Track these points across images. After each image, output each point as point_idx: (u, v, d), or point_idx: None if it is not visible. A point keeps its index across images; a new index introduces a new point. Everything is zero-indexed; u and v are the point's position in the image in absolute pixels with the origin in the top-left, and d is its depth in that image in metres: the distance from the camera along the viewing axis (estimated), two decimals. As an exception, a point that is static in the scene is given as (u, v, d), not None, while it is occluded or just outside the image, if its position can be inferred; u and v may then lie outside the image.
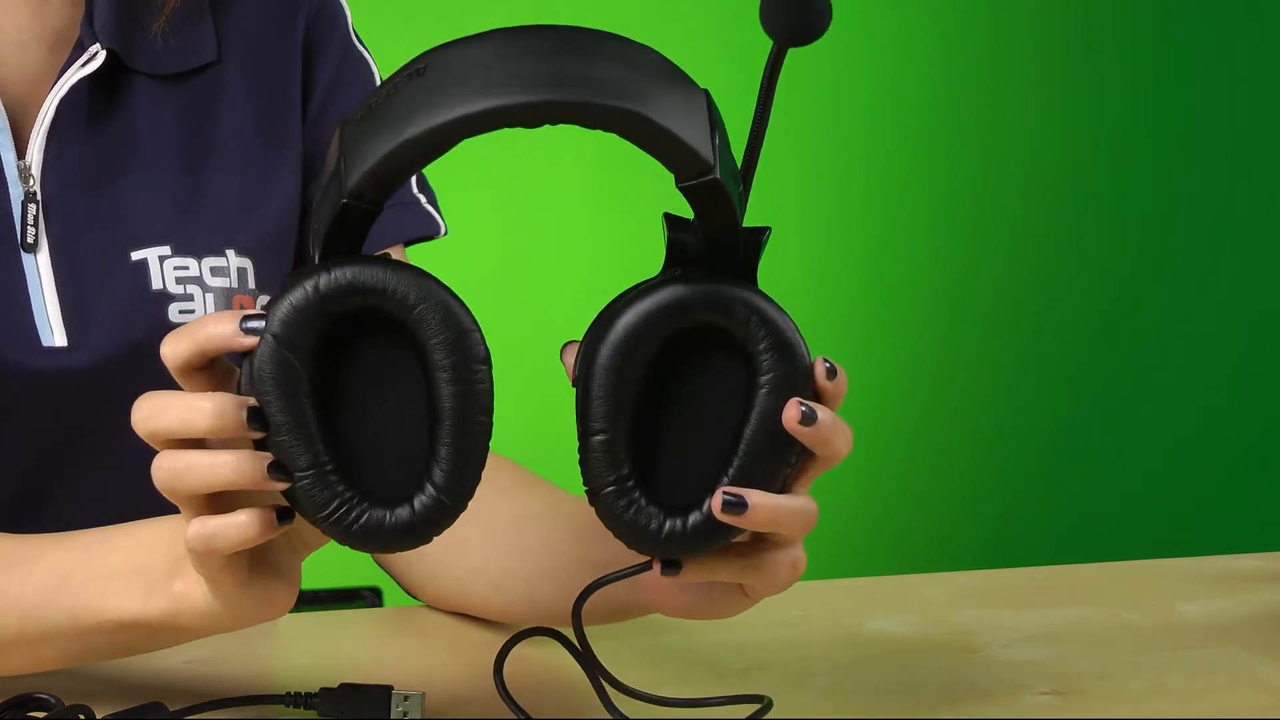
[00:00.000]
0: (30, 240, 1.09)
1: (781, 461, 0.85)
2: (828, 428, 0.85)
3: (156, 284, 1.11)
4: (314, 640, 1.14)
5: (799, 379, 0.85)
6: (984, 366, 3.21)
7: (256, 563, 0.86)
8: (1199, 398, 3.32)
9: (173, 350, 0.84)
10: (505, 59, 0.80)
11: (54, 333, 1.09)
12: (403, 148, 0.80)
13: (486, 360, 0.82)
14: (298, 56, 1.18)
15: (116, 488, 1.12)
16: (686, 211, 0.86)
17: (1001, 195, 3.18)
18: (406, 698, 0.95)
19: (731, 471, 0.85)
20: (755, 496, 0.84)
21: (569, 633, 0.92)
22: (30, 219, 1.09)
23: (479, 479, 0.83)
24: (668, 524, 0.85)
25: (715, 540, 0.85)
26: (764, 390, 0.84)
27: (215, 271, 1.13)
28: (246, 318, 0.81)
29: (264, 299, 1.14)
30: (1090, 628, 1.16)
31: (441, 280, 0.82)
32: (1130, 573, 1.31)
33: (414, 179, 1.20)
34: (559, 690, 1.02)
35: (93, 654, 0.96)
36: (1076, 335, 3.25)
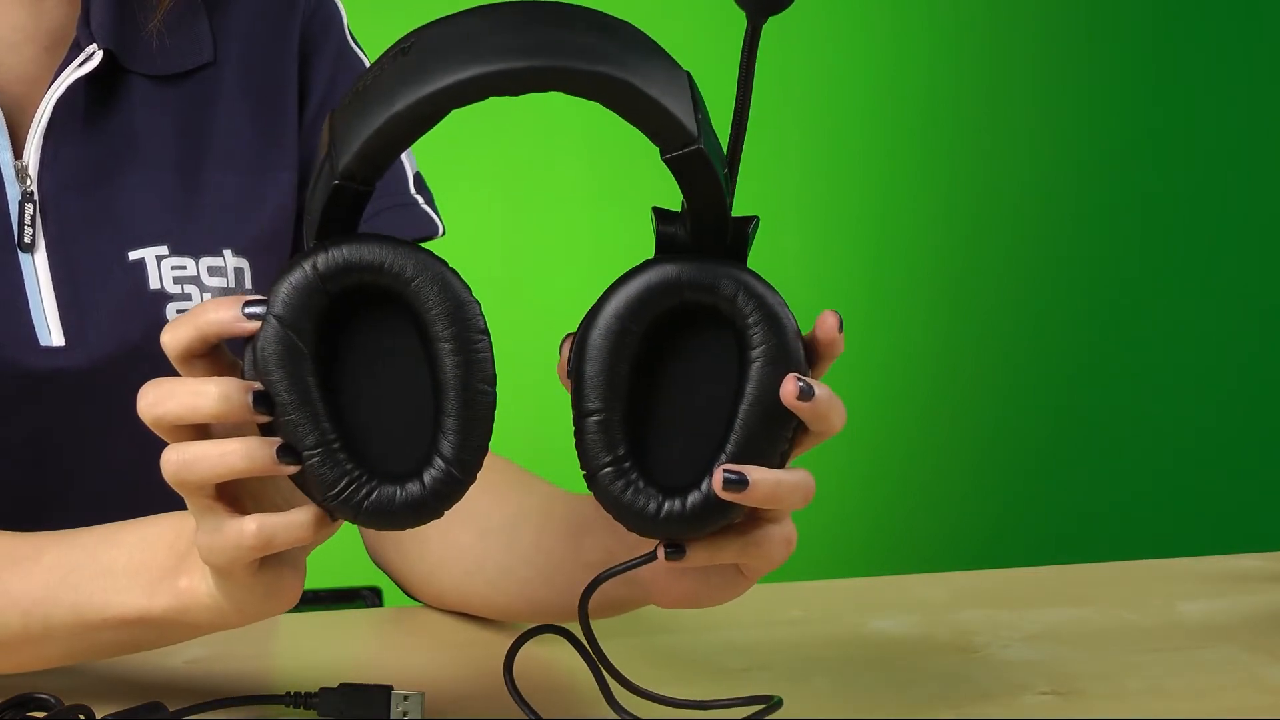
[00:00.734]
0: (27, 240, 1.09)
1: (779, 436, 0.85)
2: (825, 402, 0.85)
3: (154, 284, 1.11)
4: (314, 640, 1.14)
5: (790, 351, 0.85)
6: (984, 366, 3.21)
7: (266, 556, 0.86)
8: (1199, 398, 3.32)
9: (173, 338, 0.83)
10: (489, 31, 0.80)
11: (51, 332, 1.09)
12: (391, 122, 0.80)
13: (485, 331, 0.82)
14: (294, 57, 1.18)
15: (114, 486, 1.12)
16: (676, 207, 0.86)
17: (1001, 195, 3.18)
18: (406, 698, 0.95)
19: (729, 448, 0.85)
20: (755, 473, 0.84)
21: (576, 629, 0.92)
22: (27, 219, 1.09)
23: (486, 450, 0.83)
24: (666, 504, 0.85)
25: (716, 519, 0.85)
26: (756, 364, 0.85)
27: (212, 271, 1.13)
28: (248, 302, 0.82)
29: (245, 295, 1.14)
30: (1090, 628, 1.16)
31: (439, 256, 0.82)
32: (1130, 573, 1.31)
33: (411, 180, 1.20)
34: (564, 689, 1.02)
35: (96, 651, 0.96)
36: (1077, 335, 3.25)
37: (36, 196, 1.10)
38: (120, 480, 1.12)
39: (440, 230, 1.20)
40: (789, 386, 0.84)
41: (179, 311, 1.11)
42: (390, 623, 1.24)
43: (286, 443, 0.81)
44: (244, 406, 0.81)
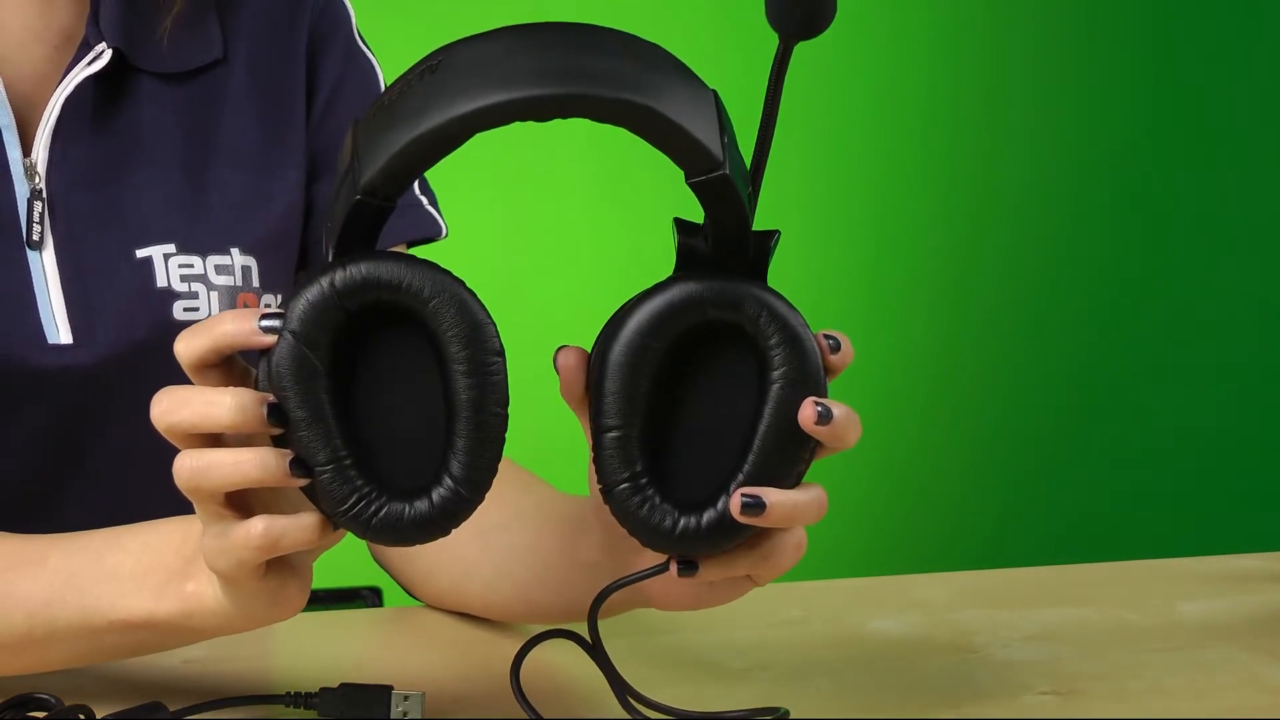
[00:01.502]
0: (36, 238, 1.10)
1: (796, 458, 0.86)
2: (843, 424, 0.85)
3: (161, 282, 1.11)
4: (314, 640, 1.14)
5: (810, 373, 0.85)
6: (984, 366, 3.21)
7: (272, 561, 0.86)
8: (1199, 398, 3.32)
9: (187, 347, 0.84)
10: (517, 53, 0.80)
11: (59, 330, 1.09)
12: (416, 142, 0.80)
13: (501, 352, 0.82)
14: (302, 56, 1.19)
15: (121, 485, 1.12)
16: (693, 216, 0.86)
17: (1001, 195, 3.18)
18: (406, 698, 0.95)
19: (747, 468, 0.85)
20: (772, 495, 0.85)
21: (579, 631, 0.92)
22: (36, 216, 1.10)
23: (495, 471, 0.83)
24: (682, 521, 0.85)
25: (730, 538, 0.86)
26: (777, 386, 0.85)
27: (220, 270, 1.13)
28: (264, 316, 0.82)
29: (269, 298, 1.14)
30: (1090, 628, 1.16)
31: (456, 275, 0.82)
32: (1130, 573, 1.31)
33: (415, 181, 1.20)
34: (565, 692, 1.02)
35: (100, 654, 0.96)
36: (1076, 335, 3.25)
37: (45, 194, 1.10)
38: (126, 477, 1.12)
39: (443, 231, 1.21)
40: (807, 412, 0.84)
41: (186, 310, 1.11)
42: (390, 623, 1.24)
43: (298, 456, 0.82)
44: (258, 419, 0.81)
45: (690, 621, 1.13)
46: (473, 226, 2.58)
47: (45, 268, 1.10)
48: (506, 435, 0.83)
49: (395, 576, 1.17)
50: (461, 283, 0.82)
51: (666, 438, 0.86)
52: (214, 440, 0.84)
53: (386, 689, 0.95)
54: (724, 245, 0.85)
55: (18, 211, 1.09)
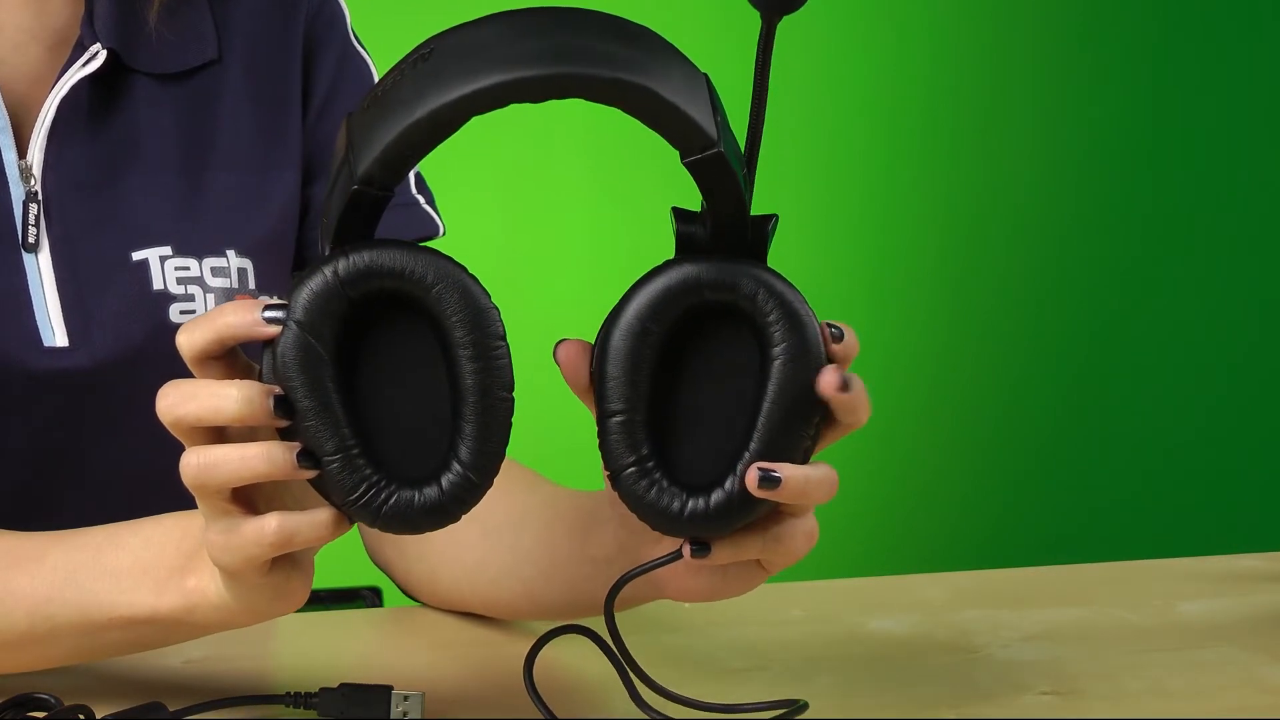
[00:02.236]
0: (31, 240, 1.09)
1: (802, 433, 0.86)
2: (860, 394, 0.86)
3: (157, 284, 1.11)
4: (314, 640, 1.14)
5: (810, 348, 0.86)
6: (984, 366, 3.21)
7: (277, 556, 0.86)
8: (1199, 398, 3.32)
9: (189, 340, 0.83)
10: (510, 37, 0.81)
11: (55, 333, 1.09)
12: (412, 129, 0.80)
13: (504, 337, 0.83)
14: (297, 56, 1.18)
15: (117, 487, 1.12)
16: (693, 206, 0.86)
17: (1001, 195, 3.18)
18: (406, 698, 0.95)
19: (754, 445, 0.85)
20: (786, 469, 0.85)
21: (591, 626, 0.92)
22: (31, 219, 1.10)
23: (503, 455, 0.83)
24: (690, 503, 0.85)
25: (739, 517, 0.86)
26: (778, 362, 0.85)
27: (216, 272, 1.13)
28: (268, 306, 0.82)
29: (264, 299, 1.14)
30: (1090, 628, 1.16)
31: (458, 261, 0.82)
32: (1130, 573, 1.31)
33: (413, 180, 1.21)
34: (576, 688, 1.02)
35: (101, 651, 0.96)
36: (1077, 335, 3.25)
37: (40, 196, 1.10)
38: (124, 480, 1.12)
39: (440, 230, 1.21)
40: (828, 378, 0.85)
41: (183, 313, 1.11)
42: (390, 623, 1.24)
43: (306, 448, 0.82)
44: (265, 411, 0.81)
45: (690, 621, 1.13)
46: (471, 226, 2.58)
47: (41, 270, 1.10)
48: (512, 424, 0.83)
49: (394, 576, 1.17)
50: (464, 269, 0.83)
51: (672, 420, 0.86)
52: (218, 434, 0.84)
53: (386, 689, 0.95)
54: (722, 230, 0.85)
55: (13, 214, 1.09)
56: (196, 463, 0.83)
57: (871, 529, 3.13)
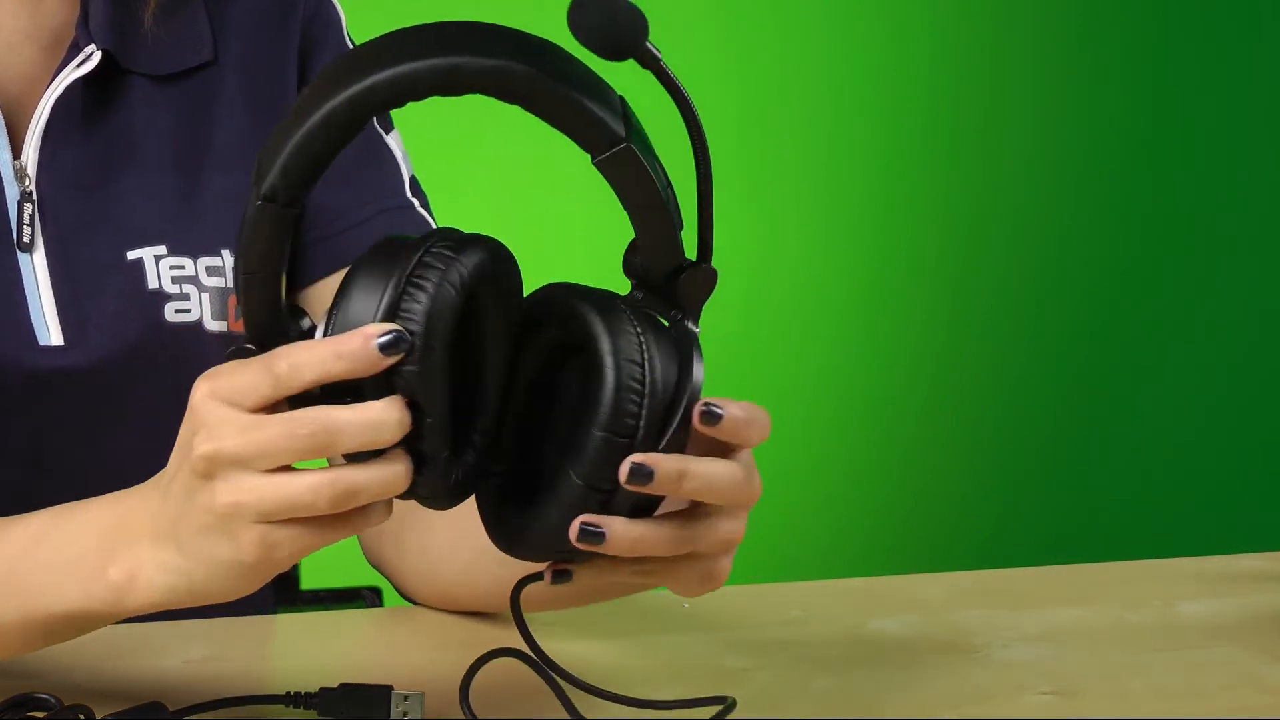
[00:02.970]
0: (26, 240, 1.10)
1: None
2: (669, 483, 0.82)
3: (152, 283, 1.11)
4: (314, 640, 1.14)
5: (605, 407, 0.82)
6: (984, 366, 3.21)
7: None
8: (1199, 398, 3.32)
9: (297, 378, 0.81)
10: (404, 42, 0.80)
11: (50, 332, 1.09)
12: (307, 135, 0.80)
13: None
14: (293, 58, 1.18)
15: (114, 486, 1.12)
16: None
17: (1001, 195, 3.18)
18: (406, 698, 0.95)
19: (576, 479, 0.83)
20: (616, 525, 0.82)
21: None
22: (26, 218, 1.10)
23: None
24: (526, 528, 0.85)
25: (552, 552, 0.85)
26: (581, 427, 0.83)
27: (211, 271, 1.13)
28: (386, 339, 0.80)
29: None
30: (1090, 628, 1.16)
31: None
32: (1130, 573, 1.31)
33: (407, 183, 1.20)
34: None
35: (56, 639, 0.94)
36: (1077, 335, 3.25)
37: (35, 196, 1.10)
38: (119, 479, 1.12)
39: (436, 232, 1.20)
40: (623, 469, 0.81)
41: (177, 311, 1.11)
42: (390, 623, 1.24)
43: (420, 451, 0.81)
44: (405, 427, 0.81)
45: (691, 621, 1.13)
46: (468, 227, 2.58)
47: (36, 270, 1.10)
48: None
49: (391, 575, 1.17)
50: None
51: (534, 442, 0.86)
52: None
53: (386, 689, 0.95)
54: (650, 258, 0.85)
55: (8, 214, 1.09)
56: (339, 492, 0.81)
57: (871, 529, 3.14)
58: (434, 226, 1.20)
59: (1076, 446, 3.27)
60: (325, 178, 0.82)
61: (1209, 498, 3.33)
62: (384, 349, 0.80)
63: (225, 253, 1.13)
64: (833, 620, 1.17)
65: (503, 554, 1.07)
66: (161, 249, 1.12)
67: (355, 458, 0.81)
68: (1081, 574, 1.31)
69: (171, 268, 1.12)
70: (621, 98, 0.82)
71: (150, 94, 1.14)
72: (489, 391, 0.85)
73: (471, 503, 0.86)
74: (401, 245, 0.83)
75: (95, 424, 1.11)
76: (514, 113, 0.82)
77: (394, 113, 0.94)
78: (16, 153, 1.10)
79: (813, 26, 3.02)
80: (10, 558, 0.93)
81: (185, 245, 1.12)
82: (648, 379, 0.82)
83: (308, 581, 1.68)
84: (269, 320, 0.83)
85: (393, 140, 1.21)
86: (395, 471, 0.81)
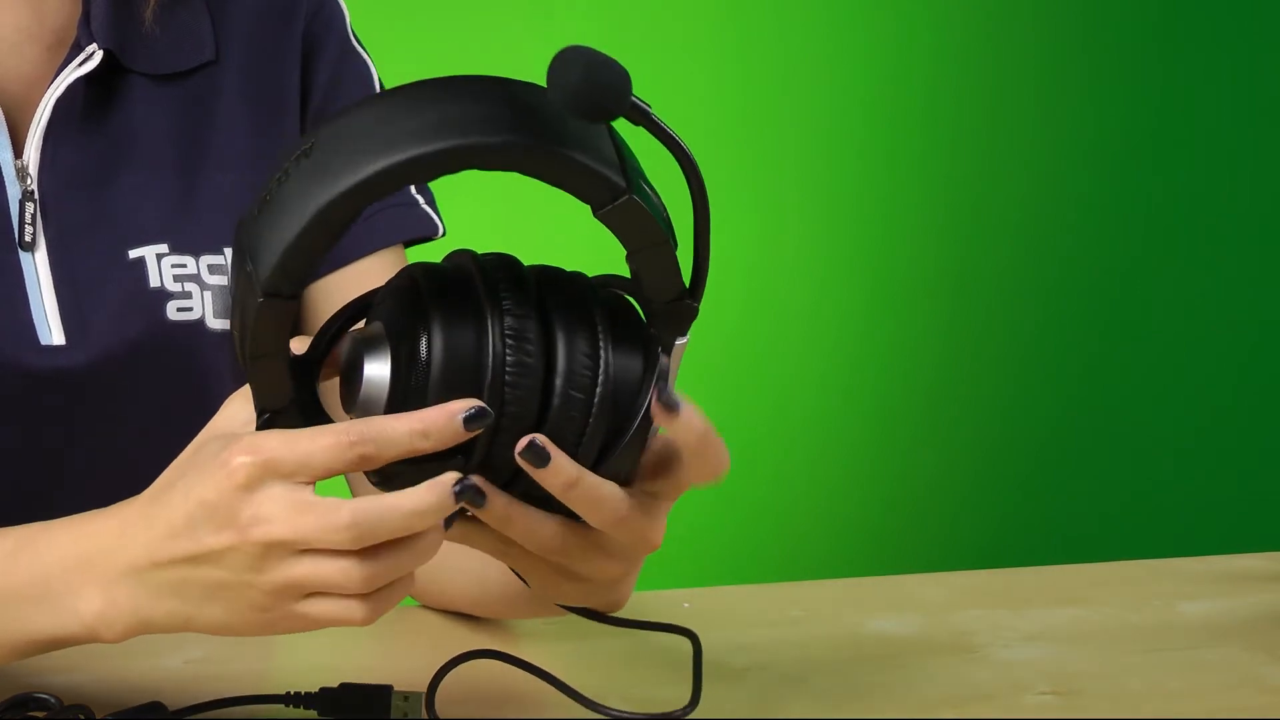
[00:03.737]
0: (28, 239, 1.10)
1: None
2: (693, 419, 0.84)
3: (154, 282, 1.11)
4: (314, 640, 1.14)
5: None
6: (984, 367, 3.21)
7: None
8: (1200, 398, 3.32)
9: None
10: (388, 118, 0.79)
11: (52, 331, 1.09)
12: (304, 234, 0.78)
13: None
14: (296, 56, 1.18)
15: (115, 486, 1.12)
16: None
17: (1002, 195, 3.18)
18: (406, 698, 0.95)
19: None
20: (498, 497, 0.84)
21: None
22: (28, 218, 1.10)
23: None
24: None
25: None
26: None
27: (213, 269, 1.13)
28: (470, 413, 0.81)
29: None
30: (1090, 628, 1.16)
31: None
32: (1130, 573, 1.31)
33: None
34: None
35: (36, 654, 0.92)
36: (1078, 336, 3.25)
37: (37, 196, 1.10)
38: (121, 479, 1.12)
39: (440, 231, 1.20)
40: (520, 443, 0.83)
41: (180, 310, 1.11)
42: (390, 623, 1.24)
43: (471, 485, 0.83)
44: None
45: (691, 621, 1.13)
46: (471, 227, 2.58)
47: (38, 269, 1.10)
48: None
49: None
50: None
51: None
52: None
53: (386, 689, 0.95)
54: (651, 291, 0.85)
55: (9, 213, 1.09)
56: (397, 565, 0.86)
57: (871, 529, 3.13)
58: (438, 224, 1.20)
59: (1077, 446, 3.27)
60: None
61: (1210, 498, 3.33)
62: (468, 424, 0.81)
63: (227, 251, 1.13)
64: (833, 620, 1.17)
65: (486, 561, 1.07)
66: (163, 247, 1.12)
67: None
68: (1081, 574, 1.31)
69: (173, 266, 1.12)
70: (611, 131, 0.81)
71: (152, 93, 1.14)
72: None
73: None
74: (468, 289, 0.83)
75: (97, 423, 1.11)
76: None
77: None
78: (18, 152, 1.10)
79: (813, 26, 3.02)
80: None
81: (187, 244, 1.12)
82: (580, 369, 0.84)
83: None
84: (281, 391, 0.83)
85: None
86: (430, 541, 0.84)
